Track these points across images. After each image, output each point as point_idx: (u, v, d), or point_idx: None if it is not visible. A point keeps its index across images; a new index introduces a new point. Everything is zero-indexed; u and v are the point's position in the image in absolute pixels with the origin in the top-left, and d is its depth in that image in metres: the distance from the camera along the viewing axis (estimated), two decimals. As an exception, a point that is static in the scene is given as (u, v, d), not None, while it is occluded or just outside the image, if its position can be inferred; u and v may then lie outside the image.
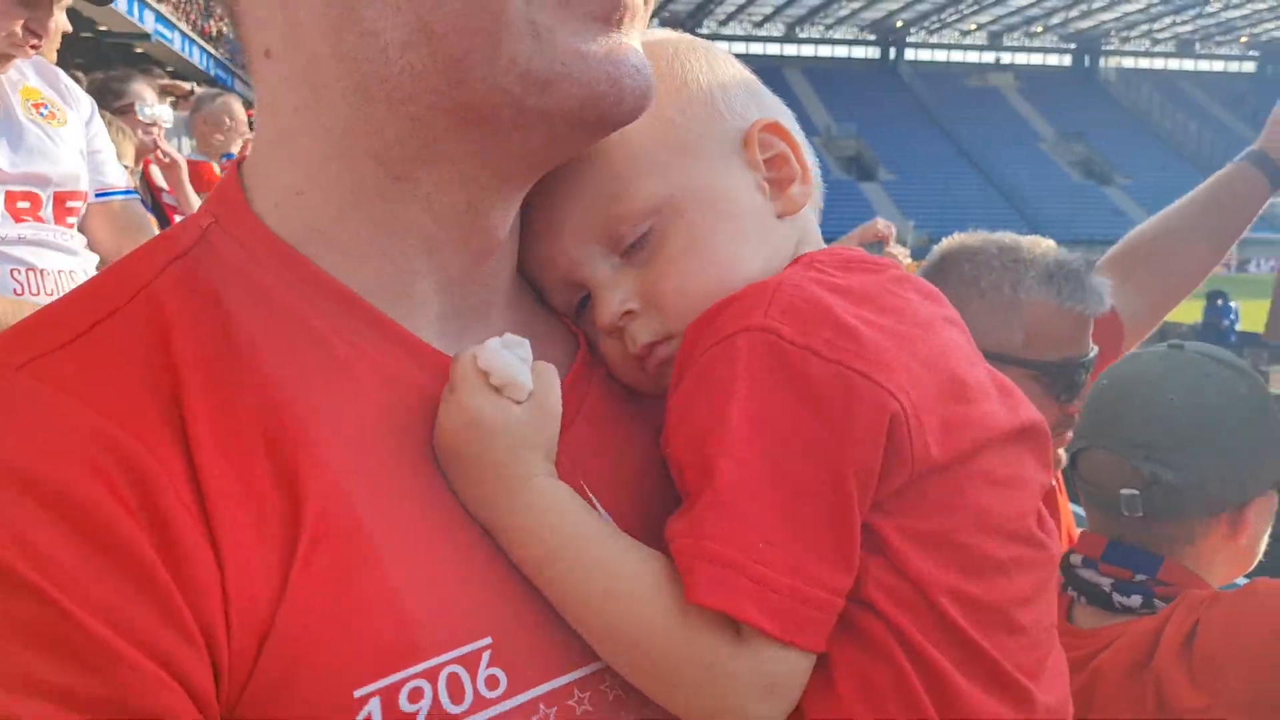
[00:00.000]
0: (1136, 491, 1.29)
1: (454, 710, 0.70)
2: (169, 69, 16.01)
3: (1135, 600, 1.27)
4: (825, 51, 75.50)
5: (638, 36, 0.78)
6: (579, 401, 0.88)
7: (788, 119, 0.96)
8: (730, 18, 67.83)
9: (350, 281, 0.79)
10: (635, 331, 0.89)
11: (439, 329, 0.84)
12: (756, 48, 73.57)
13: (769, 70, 76.31)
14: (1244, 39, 74.61)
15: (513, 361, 0.78)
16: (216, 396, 0.70)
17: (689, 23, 67.13)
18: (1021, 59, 79.49)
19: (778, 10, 66.55)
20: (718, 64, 0.93)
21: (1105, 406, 1.36)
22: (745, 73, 0.96)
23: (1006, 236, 1.60)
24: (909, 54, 76.86)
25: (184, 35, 21.74)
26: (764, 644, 0.75)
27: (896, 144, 64.57)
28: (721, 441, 0.76)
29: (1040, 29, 74.30)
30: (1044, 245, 1.56)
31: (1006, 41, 77.25)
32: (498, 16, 0.69)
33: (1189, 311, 16.87)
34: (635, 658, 0.78)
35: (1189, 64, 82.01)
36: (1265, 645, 1.13)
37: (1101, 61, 79.99)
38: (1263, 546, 1.35)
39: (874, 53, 76.05)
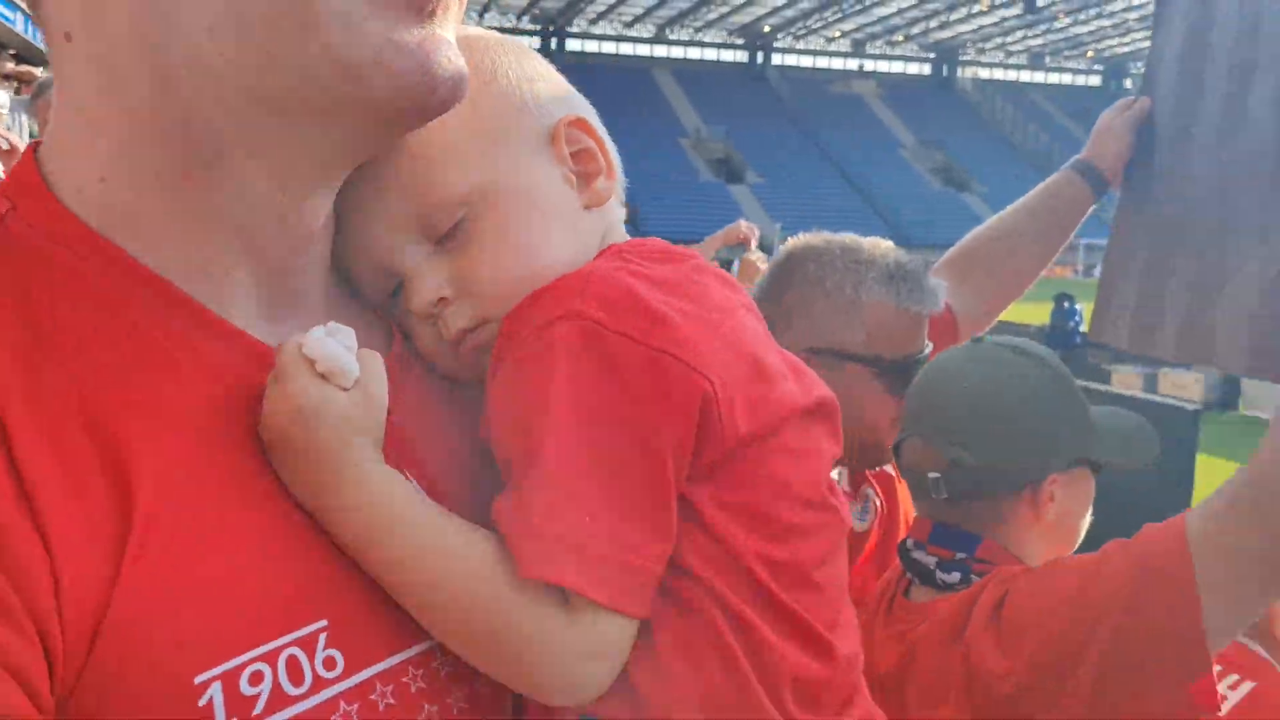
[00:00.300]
0: (940, 474, 1.36)
1: (294, 692, 0.71)
2: (11, 51, 15.21)
3: (955, 577, 1.33)
4: (695, 54, 76.25)
5: (451, 29, 0.80)
6: (395, 390, 0.89)
7: (593, 117, 1.00)
8: (600, 17, 67.87)
9: (162, 269, 0.77)
10: (449, 318, 0.91)
11: (256, 318, 0.83)
12: (626, 48, 73.89)
13: (639, 71, 76.50)
14: (1090, 54, 78.30)
15: (338, 349, 0.78)
16: (32, 387, 0.68)
17: (559, 20, 67.05)
18: (884, 67, 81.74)
19: (648, 11, 66.86)
20: (526, 61, 0.97)
21: (917, 398, 1.43)
22: (553, 71, 1.00)
23: (848, 237, 1.65)
24: (776, 59, 78.19)
25: (27, 16, 20.70)
26: (592, 612, 0.79)
27: (764, 147, 65.63)
28: (544, 424, 0.80)
29: (901, 38, 76.53)
30: (883, 246, 1.62)
31: (869, 50, 79.32)
32: (309, 5, 0.68)
33: (1038, 313, 17.62)
34: (468, 635, 0.81)
35: (1040, 76, 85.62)
36: (1058, 610, 1.20)
37: (959, 72, 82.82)
38: (1083, 525, 1.43)
39: (742, 57, 77.15)
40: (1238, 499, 1.16)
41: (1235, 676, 1.72)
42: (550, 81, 0.98)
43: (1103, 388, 10.81)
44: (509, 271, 0.90)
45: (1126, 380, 13.49)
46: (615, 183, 1.00)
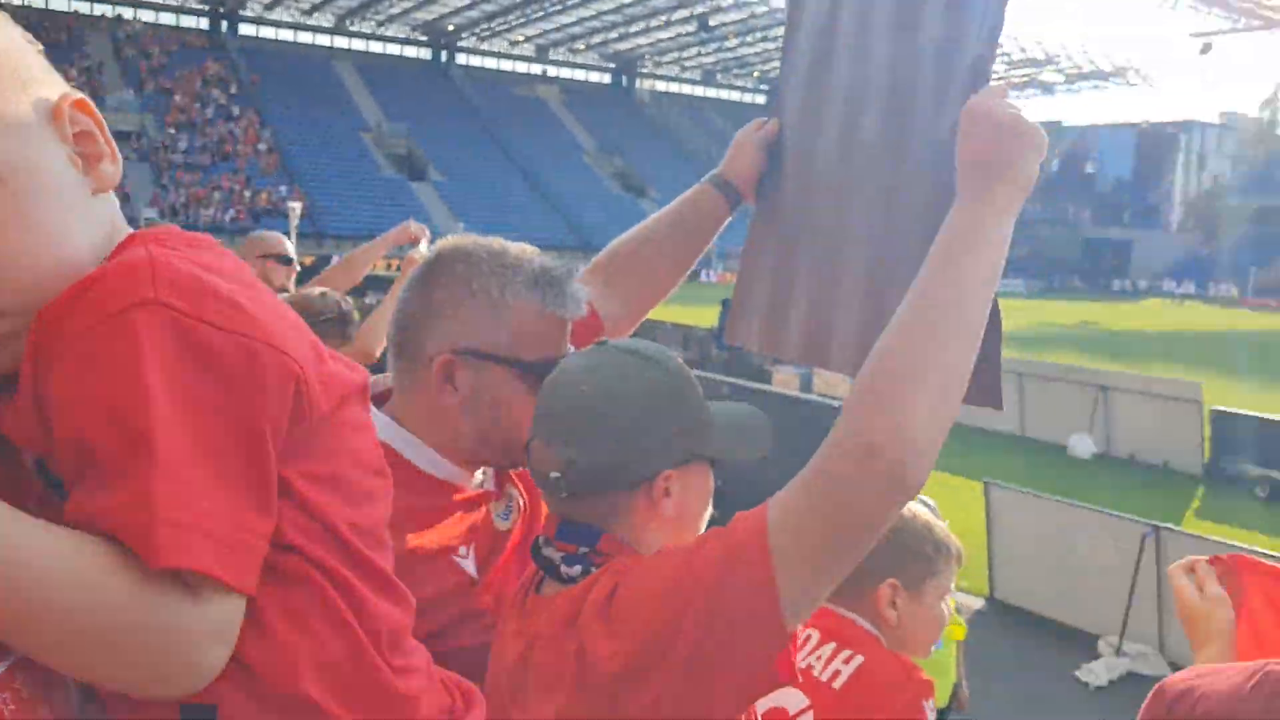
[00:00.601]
0: (559, 474, 1.41)
1: None
2: None
3: (576, 570, 1.38)
4: (377, 48, 74.44)
5: None
6: None
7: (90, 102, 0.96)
8: (276, 2, 64.88)
9: None
10: None
11: None
12: (305, 37, 71.02)
13: (319, 60, 73.69)
14: (756, 74, 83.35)
15: None
16: None
17: (230, 2, 63.45)
18: (566, 73, 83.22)
19: (327, 0, 64.64)
20: (15, 33, 0.90)
21: (541, 400, 1.46)
22: (38, 48, 0.94)
23: (495, 241, 1.66)
24: (460, 59, 77.79)
25: None
26: (217, 594, 0.80)
27: (448, 146, 65.14)
28: (146, 415, 0.78)
29: (583, 47, 78.26)
30: (529, 251, 1.65)
31: (553, 55, 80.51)
32: None
33: (710, 317, 18.60)
34: (78, 642, 0.77)
35: (712, 92, 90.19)
36: (658, 593, 1.25)
37: (638, 83, 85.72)
38: (704, 516, 1.50)
39: (426, 54, 76.18)
40: (803, 482, 1.27)
41: (848, 652, 1.91)
42: (43, 60, 0.92)
43: (764, 387, 11.59)
44: (28, 257, 0.84)
45: (786, 380, 14.55)
46: (119, 168, 0.95)
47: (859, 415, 1.25)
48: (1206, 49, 74.83)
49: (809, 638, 1.95)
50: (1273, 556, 6.12)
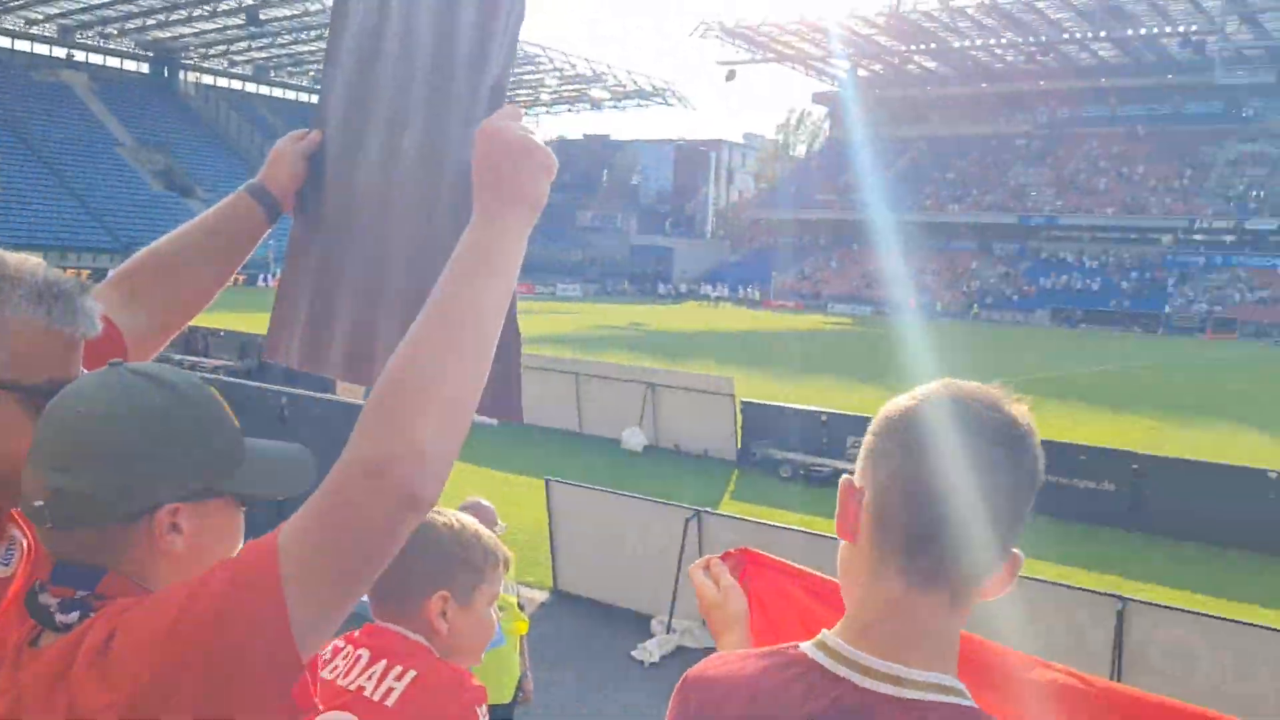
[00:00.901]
0: (44, 503, 1.29)
1: None
2: None
3: (74, 617, 1.26)
4: None
5: None
6: None
7: None
8: None
9: None
10: None
11: None
12: None
13: None
14: (311, 73, 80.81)
15: None
16: None
17: None
18: (97, 60, 75.93)
19: None
20: None
21: (38, 425, 1.34)
22: None
23: None
24: (-36, 35, 68.58)
25: None
26: None
27: (-49, 133, 57.23)
28: None
29: (116, 32, 71.86)
30: (32, 263, 1.48)
31: (80, 39, 73.18)
32: None
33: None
34: None
35: (265, 89, 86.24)
36: (161, 630, 1.18)
37: (181, 74, 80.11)
38: (225, 551, 1.38)
39: (-81, 26, 66.39)
40: (314, 504, 1.22)
41: (400, 667, 1.88)
42: None
43: (327, 396, 11.28)
44: None
45: (351, 390, 14.29)
46: None
47: (369, 432, 1.22)
48: (731, 76, 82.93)
49: (359, 658, 1.90)
50: (793, 530, 6.90)
